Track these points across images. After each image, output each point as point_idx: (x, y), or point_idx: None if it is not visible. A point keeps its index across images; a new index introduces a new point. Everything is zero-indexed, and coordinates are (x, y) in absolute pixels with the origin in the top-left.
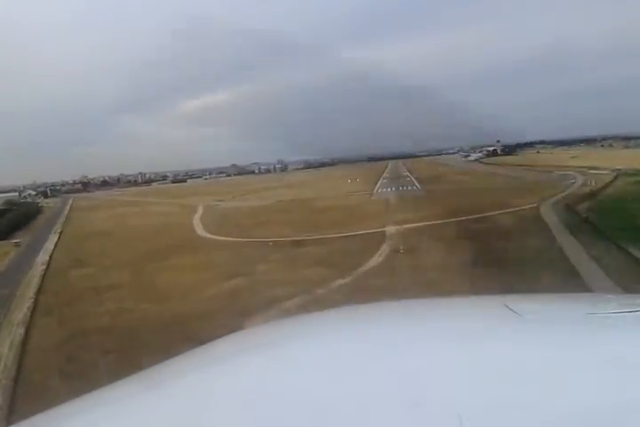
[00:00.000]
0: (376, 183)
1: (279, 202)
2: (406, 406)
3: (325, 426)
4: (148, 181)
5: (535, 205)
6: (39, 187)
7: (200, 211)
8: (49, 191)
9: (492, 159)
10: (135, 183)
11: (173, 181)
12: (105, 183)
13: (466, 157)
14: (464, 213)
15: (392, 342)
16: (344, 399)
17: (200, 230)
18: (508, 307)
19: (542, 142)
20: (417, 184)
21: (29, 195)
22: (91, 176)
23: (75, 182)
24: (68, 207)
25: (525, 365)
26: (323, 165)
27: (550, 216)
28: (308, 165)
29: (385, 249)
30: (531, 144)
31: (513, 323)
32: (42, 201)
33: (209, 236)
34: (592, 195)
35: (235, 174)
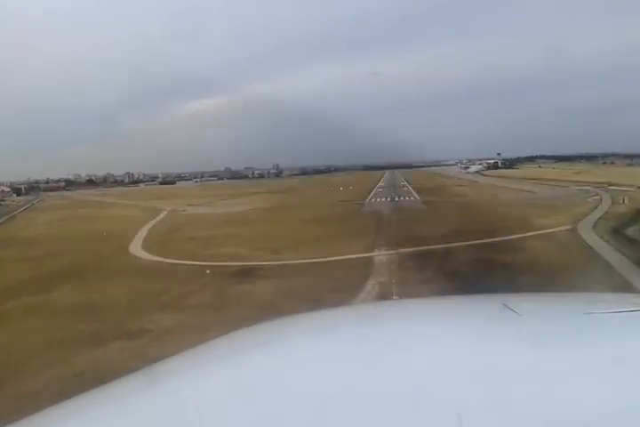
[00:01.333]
0: (369, 192)
1: (252, 210)
2: (406, 405)
3: (325, 425)
4: (136, 182)
5: (569, 226)
6: (21, 184)
7: (160, 217)
8: (23, 189)
9: (495, 172)
10: (122, 183)
11: (162, 183)
12: (90, 182)
13: (465, 168)
14: (477, 234)
15: (392, 342)
16: (344, 399)
17: (135, 245)
18: (507, 306)
19: (542, 157)
20: (415, 195)
21: (2, 191)
22: (79, 175)
23: (59, 180)
24: (25, 206)
25: (525, 364)
26: (319, 171)
27: (599, 244)
28: (304, 172)
29: (369, 290)
30: (530, 158)
31: (512, 322)
32: (9, 199)
33: (140, 254)
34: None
35: (227, 178)
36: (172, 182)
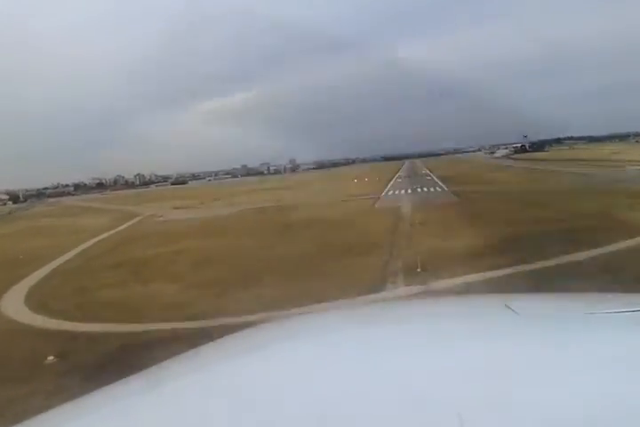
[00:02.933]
0: (387, 184)
1: (241, 212)
2: (406, 405)
3: (325, 425)
4: (147, 183)
5: None
6: (27, 190)
7: (123, 226)
8: (21, 196)
9: (524, 155)
10: (132, 185)
11: (173, 183)
12: (100, 186)
13: (491, 153)
14: (564, 245)
15: (392, 342)
16: (344, 399)
17: (28, 282)
18: (508, 306)
19: (571, 138)
20: (441, 184)
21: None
22: (97, 178)
23: (67, 185)
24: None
25: (525, 364)
26: (335, 164)
27: None
28: (321, 165)
29: None
30: (558, 140)
31: (513, 322)
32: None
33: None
34: None
35: (242, 175)
36: (184, 182)
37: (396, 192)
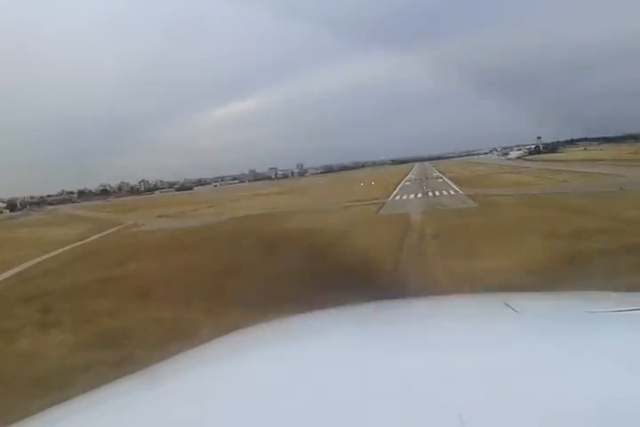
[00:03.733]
0: (395, 188)
1: (230, 220)
2: (406, 405)
3: (325, 425)
4: (151, 190)
5: None
6: (33, 198)
7: (92, 238)
8: (19, 203)
9: (539, 157)
10: (137, 192)
11: (178, 189)
12: (104, 192)
13: (504, 155)
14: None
15: (392, 341)
16: (343, 399)
17: None
18: (507, 305)
19: (584, 140)
20: (455, 187)
21: None
22: (105, 184)
23: (70, 192)
24: None
25: (525, 363)
26: (344, 168)
27: None
28: (329, 169)
29: None
30: (570, 142)
31: (513, 321)
32: None
33: None
34: None
35: (249, 180)
36: (190, 188)
37: (404, 197)
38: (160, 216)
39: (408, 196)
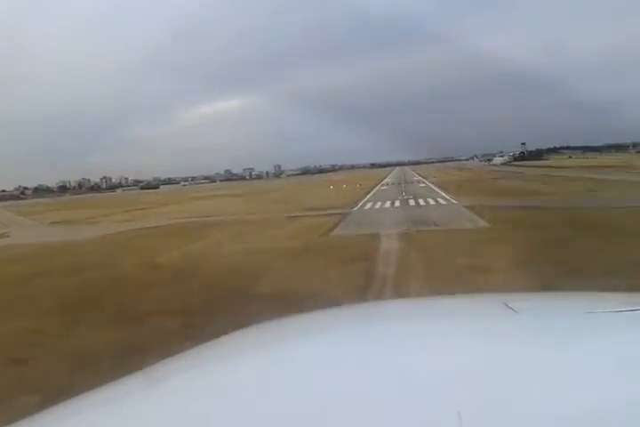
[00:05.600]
0: (368, 192)
1: (142, 230)
2: (405, 405)
3: (324, 425)
4: (113, 187)
5: None
6: None
7: None
8: None
9: (528, 163)
10: (98, 189)
11: (143, 187)
12: (62, 189)
13: (487, 160)
14: None
15: (391, 341)
16: (343, 398)
17: None
18: (507, 305)
19: (567, 148)
20: (444, 195)
21: None
22: (66, 181)
23: (25, 188)
24: None
25: (525, 363)
26: (323, 171)
27: None
28: (306, 171)
29: None
30: (553, 150)
31: (512, 321)
32: None
33: None
34: None
35: (221, 180)
36: (156, 187)
37: (377, 205)
38: (53, 223)
39: (383, 204)
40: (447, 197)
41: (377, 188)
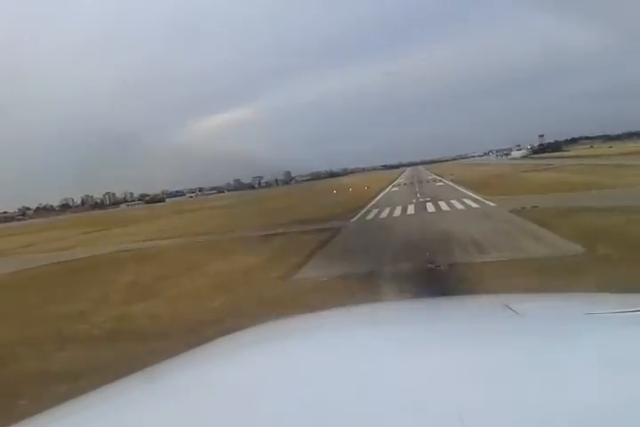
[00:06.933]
0: (376, 195)
1: (58, 265)
2: (406, 406)
3: (325, 425)
4: (118, 203)
5: None
6: None
7: None
8: None
9: (550, 155)
10: (101, 206)
11: (148, 202)
12: (65, 207)
13: (505, 155)
14: None
15: (392, 342)
16: (343, 400)
17: None
18: (507, 307)
19: (586, 138)
20: (467, 192)
21: None
22: (70, 198)
23: (27, 209)
24: None
25: (525, 364)
26: (333, 175)
27: None
28: (316, 177)
29: None
30: (573, 141)
31: (513, 322)
32: None
33: None
34: None
35: (228, 190)
36: (162, 200)
37: (384, 213)
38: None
39: (391, 211)
40: (477, 198)
41: (387, 189)
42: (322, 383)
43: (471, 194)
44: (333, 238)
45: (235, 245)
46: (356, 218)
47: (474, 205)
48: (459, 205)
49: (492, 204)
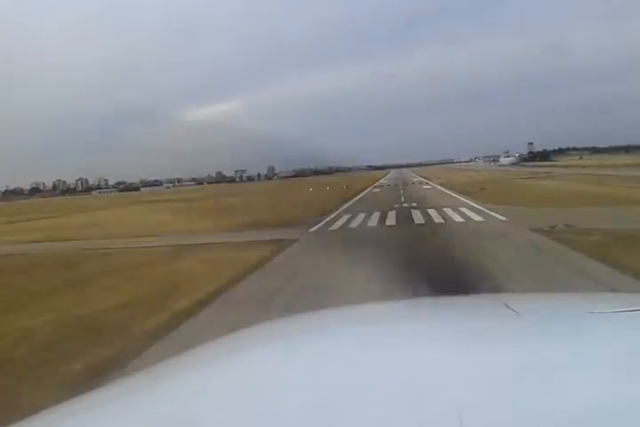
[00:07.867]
0: (351, 198)
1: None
2: (406, 405)
3: (324, 424)
4: (90, 189)
5: None
6: None
7: None
8: None
9: (540, 163)
10: (73, 191)
11: (122, 190)
12: (34, 191)
13: (494, 161)
14: None
15: (391, 341)
16: (343, 398)
17: None
18: (507, 306)
19: (574, 149)
20: (462, 199)
21: None
22: (41, 182)
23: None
24: None
25: (525, 364)
26: (318, 173)
27: None
28: (300, 173)
29: None
30: (560, 151)
31: (513, 322)
32: None
33: None
34: None
35: (208, 182)
36: (137, 189)
37: (356, 221)
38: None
39: (367, 218)
40: (477, 207)
41: (367, 190)
42: (322, 382)
43: (468, 202)
44: (269, 261)
45: (160, 255)
46: (316, 227)
47: (475, 217)
48: (457, 217)
49: (500, 217)
